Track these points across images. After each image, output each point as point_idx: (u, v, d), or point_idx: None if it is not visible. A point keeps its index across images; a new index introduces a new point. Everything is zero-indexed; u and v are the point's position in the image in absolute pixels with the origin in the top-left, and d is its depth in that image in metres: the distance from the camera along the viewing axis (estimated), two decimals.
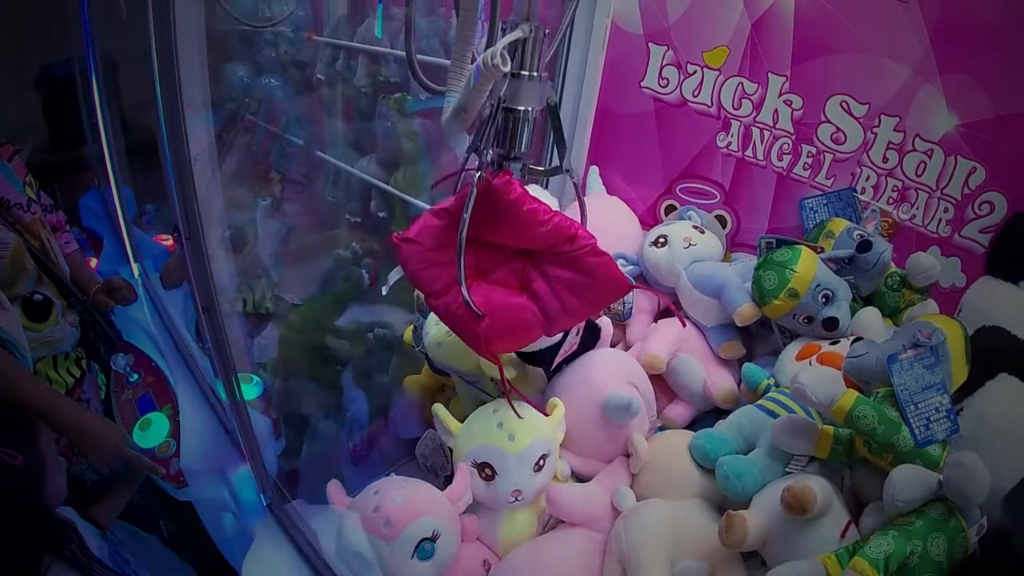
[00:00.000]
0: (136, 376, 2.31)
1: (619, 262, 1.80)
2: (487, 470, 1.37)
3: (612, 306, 1.77)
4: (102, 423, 1.89)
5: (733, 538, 1.20)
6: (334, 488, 1.39)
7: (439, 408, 1.46)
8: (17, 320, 1.96)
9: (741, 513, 1.22)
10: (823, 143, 1.70)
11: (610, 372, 1.52)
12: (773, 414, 1.40)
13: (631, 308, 1.77)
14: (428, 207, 2.27)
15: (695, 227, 1.77)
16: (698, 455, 1.42)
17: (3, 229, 2.03)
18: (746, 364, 1.57)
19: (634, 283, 1.68)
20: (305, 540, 1.62)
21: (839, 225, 1.62)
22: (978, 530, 1.13)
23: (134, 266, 2.81)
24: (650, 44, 1.85)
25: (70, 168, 3.22)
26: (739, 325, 1.60)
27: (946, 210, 1.61)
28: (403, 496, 1.31)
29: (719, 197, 1.89)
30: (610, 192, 2.01)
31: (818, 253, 1.54)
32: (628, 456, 1.50)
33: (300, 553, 1.64)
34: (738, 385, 1.65)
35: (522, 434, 1.38)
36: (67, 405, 1.81)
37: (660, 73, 1.86)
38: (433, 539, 1.29)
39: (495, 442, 1.38)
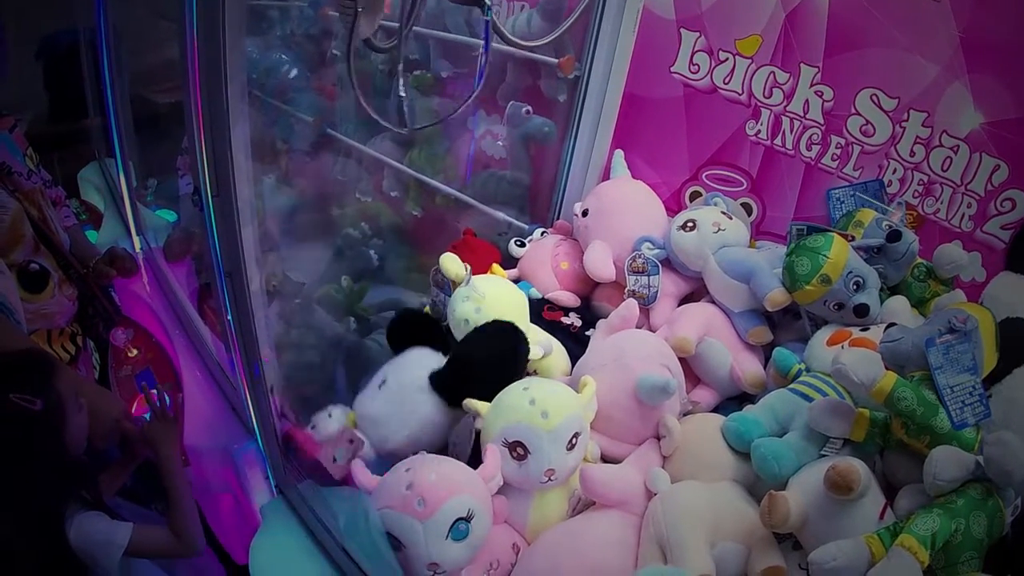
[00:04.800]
0: (136, 352, 2.26)
1: (645, 245, 1.81)
2: (519, 449, 1.34)
3: (637, 290, 1.78)
4: (103, 395, 1.85)
5: (776, 518, 1.21)
6: (358, 467, 1.37)
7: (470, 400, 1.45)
8: (13, 286, 1.92)
9: (783, 494, 1.23)
10: (852, 135, 1.73)
11: (644, 353, 1.53)
12: (807, 397, 1.42)
13: (656, 292, 1.77)
14: (445, 187, 2.30)
15: (723, 213, 1.78)
16: (732, 437, 1.43)
17: (3, 193, 2.00)
18: (777, 348, 1.59)
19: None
20: (317, 521, 1.59)
21: (868, 215, 1.65)
22: (1013, 511, 1.16)
23: (136, 239, 2.76)
24: (682, 30, 1.86)
25: (70, 140, 3.20)
26: (769, 310, 1.61)
27: (969, 205, 1.65)
28: (437, 473, 1.28)
29: (746, 185, 1.91)
30: (634, 176, 2.02)
31: (849, 241, 1.56)
32: (659, 438, 1.50)
33: (311, 536, 1.61)
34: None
35: (556, 411, 1.35)
36: (67, 374, 1.78)
37: (691, 59, 1.87)
38: (468, 519, 1.25)
39: (528, 420, 1.34)
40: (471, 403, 1.42)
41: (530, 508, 1.41)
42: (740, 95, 1.83)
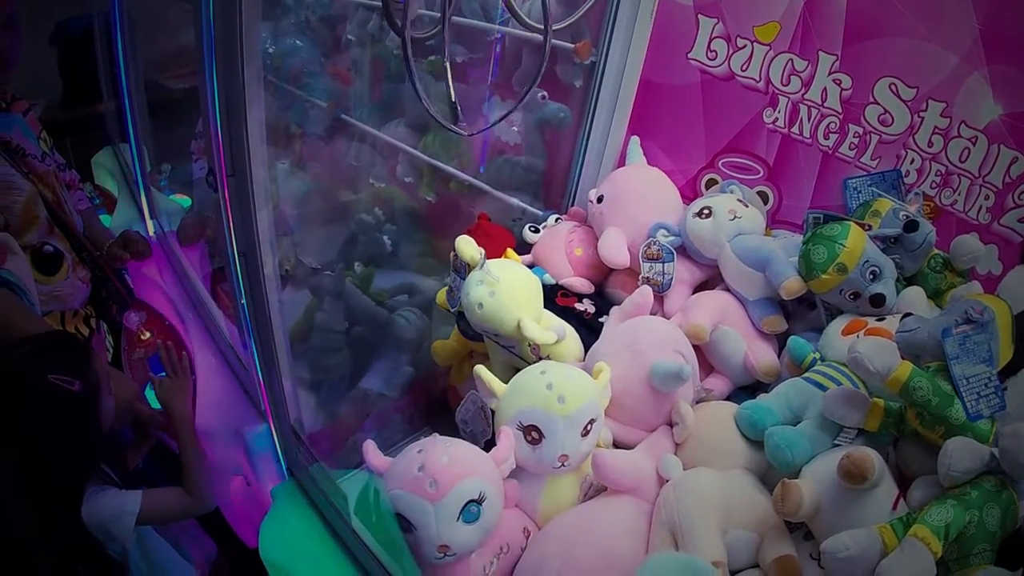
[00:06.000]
0: (149, 334, 2.28)
1: (660, 232, 1.80)
2: (534, 433, 1.35)
3: (652, 277, 1.78)
4: (118, 378, 1.86)
5: (788, 506, 1.22)
6: (370, 448, 1.37)
7: (481, 369, 1.45)
8: (27, 266, 1.94)
9: (796, 482, 1.24)
10: (870, 124, 1.72)
11: (658, 340, 1.53)
12: (821, 387, 1.42)
13: (671, 279, 1.77)
14: (460, 173, 2.30)
15: (740, 201, 1.78)
16: (744, 425, 1.44)
17: (18, 176, 2.02)
18: (792, 337, 1.60)
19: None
20: (328, 503, 1.61)
21: (885, 205, 1.64)
22: None
23: (149, 223, 2.79)
24: (700, 16, 1.86)
25: (84, 125, 3.23)
26: (785, 298, 1.61)
27: (987, 197, 1.64)
28: (449, 455, 1.28)
29: (762, 173, 1.91)
30: (650, 163, 2.02)
31: (866, 230, 1.56)
32: (671, 426, 1.50)
33: (322, 518, 1.63)
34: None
35: (573, 396, 1.36)
36: (99, 358, 1.80)
37: (708, 45, 1.87)
38: (479, 501, 1.26)
39: (544, 404, 1.35)
40: (484, 378, 1.43)
41: (542, 493, 1.43)
42: (758, 82, 1.83)
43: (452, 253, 1.72)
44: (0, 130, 2.08)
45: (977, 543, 1.11)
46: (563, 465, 1.36)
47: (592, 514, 1.37)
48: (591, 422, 1.38)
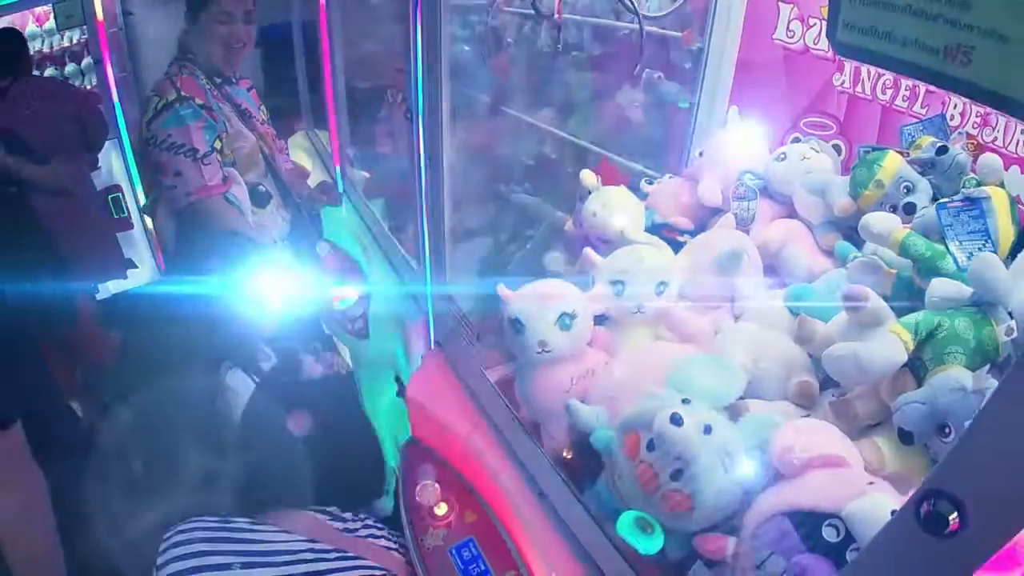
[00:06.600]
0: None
1: (747, 176, 2.19)
2: (619, 286, 1.80)
3: (739, 213, 2.17)
4: None
5: (803, 331, 1.59)
6: (501, 287, 1.84)
7: (589, 251, 1.90)
8: (246, 195, 2.62)
9: (811, 318, 1.61)
10: None
11: (726, 238, 1.96)
12: None
13: (754, 214, 2.14)
14: (596, 148, 2.81)
15: (811, 148, 2.15)
16: (790, 300, 1.81)
17: (245, 129, 2.74)
18: (839, 242, 1.94)
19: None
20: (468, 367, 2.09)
21: (926, 140, 1.95)
22: (1007, 331, 1.33)
23: (340, 182, 3.47)
24: (779, 3, 2.28)
25: (282, 113, 3.80)
26: (838, 215, 1.95)
27: (1023, 132, 1.90)
28: (552, 280, 1.85)
29: (835, 128, 2.28)
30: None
31: (904, 156, 1.91)
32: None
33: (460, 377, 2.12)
34: None
35: (650, 260, 1.83)
36: None
37: (787, 27, 2.27)
38: (572, 316, 1.72)
39: (628, 264, 1.82)
40: (589, 256, 1.89)
41: (623, 339, 1.86)
42: (827, 53, 2.20)
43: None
44: (234, 96, 2.82)
45: (949, 344, 1.33)
46: (639, 311, 1.80)
47: (659, 348, 1.80)
48: (663, 283, 1.81)
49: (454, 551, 1.74)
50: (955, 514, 0.73)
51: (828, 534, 1.21)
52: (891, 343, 1.36)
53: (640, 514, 1.49)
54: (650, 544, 1.48)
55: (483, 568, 1.71)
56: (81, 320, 3.71)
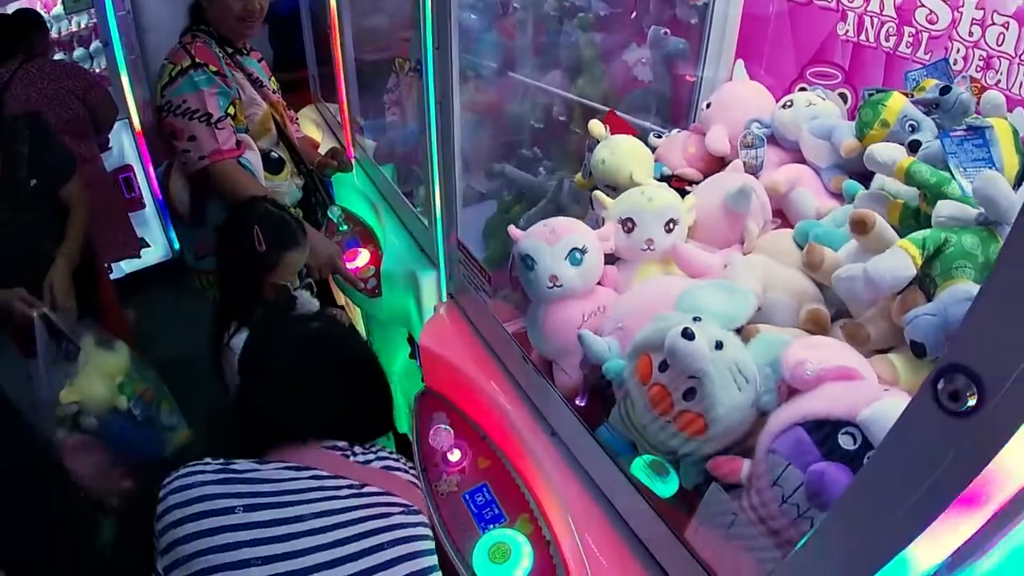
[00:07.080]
0: (346, 227, 2.98)
1: (754, 124, 2.23)
2: (629, 223, 1.85)
3: (747, 160, 2.19)
4: (322, 239, 2.59)
5: (812, 259, 1.61)
6: (511, 227, 1.88)
7: (599, 193, 1.96)
8: (259, 160, 2.67)
9: (820, 245, 1.64)
10: (920, 23, 2.07)
11: (735, 178, 1.98)
12: None
13: (763, 162, 2.17)
14: (604, 108, 2.84)
15: (817, 95, 2.19)
16: (799, 236, 1.83)
17: (258, 97, 2.79)
18: (847, 180, 1.97)
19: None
20: (480, 314, 2.12)
21: (930, 83, 1.99)
22: None
23: (352, 150, 3.51)
24: None
25: (290, 87, 3.76)
26: (844, 156, 1.98)
27: None
28: (564, 219, 1.85)
29: (841, 77, 2.32)
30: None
31: (909, 98, 1.95)
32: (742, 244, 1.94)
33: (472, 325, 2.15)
34: None
35: (658, 198, 1.86)
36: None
37: None
38: (583, 251, 1.76)
39: (637, 202, 1.86)
40: (600, 199, 1.93)
41: (634, 276, 1.89)
42: (830, 3, 2.25)
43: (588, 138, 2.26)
44: (247, 66, 2.86)
45: (957, 259, 1.35)
46: (648, 249, 1.84)
47: (667, 281, 1.81)
48: (672, 221, 1.85)
49: (468, 496, 1.80)
50: (973, 390, 0.68)
51: (845, 442, 1.21)
52: (899, 257, 1.37)
53: (654, 458, 1.52)
54: (666, 487, 1.54)
55: (497, 512, 1.76)
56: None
